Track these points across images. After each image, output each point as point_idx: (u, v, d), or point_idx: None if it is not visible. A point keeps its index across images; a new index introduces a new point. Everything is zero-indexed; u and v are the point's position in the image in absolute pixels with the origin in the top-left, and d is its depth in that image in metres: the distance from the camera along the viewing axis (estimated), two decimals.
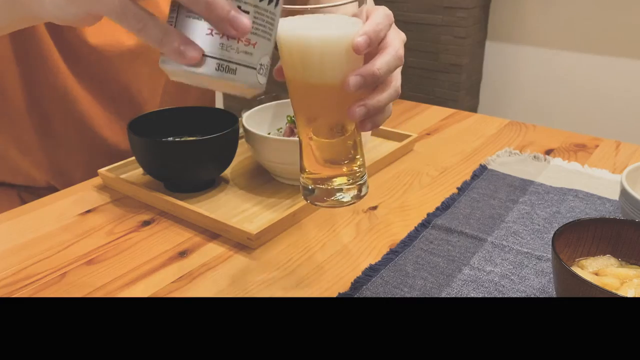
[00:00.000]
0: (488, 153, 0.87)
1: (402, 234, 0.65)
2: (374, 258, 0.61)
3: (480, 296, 0.55)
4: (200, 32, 0.41)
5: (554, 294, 0.54)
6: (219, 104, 2.93)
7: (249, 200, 0.73)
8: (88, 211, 0.71)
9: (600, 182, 0.76)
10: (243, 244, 0.64)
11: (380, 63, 0.46)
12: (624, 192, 0.60)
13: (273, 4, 0.42)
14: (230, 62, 0.42)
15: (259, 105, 0.83)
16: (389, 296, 0.55)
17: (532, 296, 0.55)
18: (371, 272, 0.58)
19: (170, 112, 0.80)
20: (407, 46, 0.51)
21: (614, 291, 0.44)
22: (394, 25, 0.51)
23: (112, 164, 0.79)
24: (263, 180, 0.78)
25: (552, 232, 0.55)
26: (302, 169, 0.53)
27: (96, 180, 0.79)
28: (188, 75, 0.42)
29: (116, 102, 0.86)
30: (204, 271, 0.60)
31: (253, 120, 0.79)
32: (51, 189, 0.85)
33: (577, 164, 0.82)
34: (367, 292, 0.55)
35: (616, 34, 2.08)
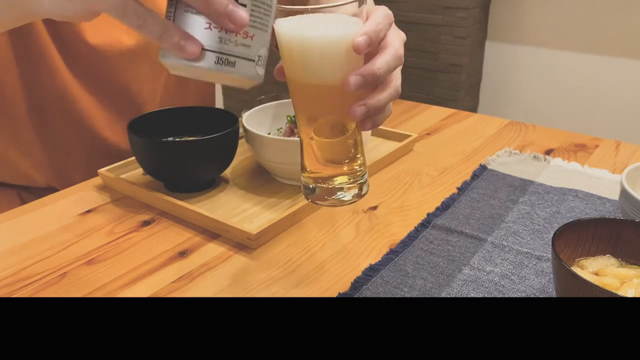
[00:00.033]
0: (488, 153, 0.87)
1: (402, 234, 0.65)
2: (374, 258, 0.61)
3: (480, 296, 0.55)
4: (199, 27, 0.42)
5: (554, 294, 0.54)
6: (219, 104, 2.93)
7: (249, 200, 0.73)
8: (88, 211, 0.71)
9: (600, 182, 0.76)
10: (243, 244, 0.64)
11: (380, 63, 0.47)
12: (624, 192, 0.60)
13: None
14: (229, 55, 0.42)
15: (259, 105, 0.83)
16: (389, 296, 0.55)
17: (532, 296, 0.55)
18: (371, 272, 0.58)
19: (170, 112, 0.80)
20: (407, 46, 0.51)
21: (614, 291, 0.44)
22: (393, 25, 0.51)
23: (112, 164, 0.79)
24: (263, 180, 0.78)
25: (552, 232, 0.55)
26: (303, 168, 0.53)
27: (96, 180, 0.79)
28: (188, 68, 0.43)
29: (116, 102, 0.86)
30: (204, 271, 0.60)
31: (253, 120, 0.79)
32: (51, 189, 0.85)
33: (577, 164, 0.82)
34: (367, 292, 0.55)
35: (616, 34, 2.08)
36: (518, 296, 0.54)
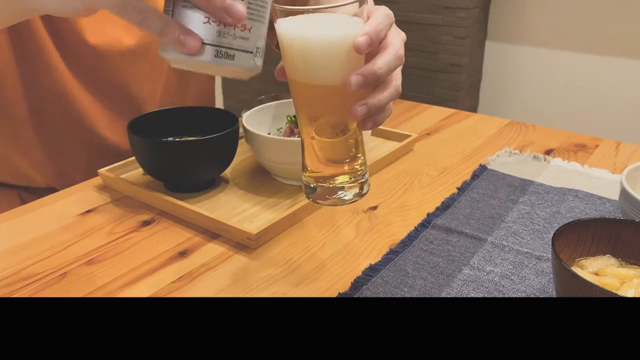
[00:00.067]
0: (488, 153, 0.87)
1: (402, 234, 0.65)
2: (374, 258, 0.61)
3: (480, 296, 0.55)
4: (198, 21, 0.43)
5: (554, 294, 0.54)
6: (219, 104, 2.93)
7: (249, 200, 0.73)
8: (88, 211, 0.71)
9: (600, 182, 0.76)
10: (243, 244, 0.64)
11: (381, 62, 0.47)
12: (623, 192, 0.60)
13: None
14: (228, 48, 0.43)
15: (259, 105, 0.83)
16: (389, 296, 0.55)
17: (532, 296, 0.55)
18: (371, 272, 0.58)
19: (170, 112, 0.80)
20: (407, 46, 0.51)
21: (614, 291, 0.44)
22: (394, 25, 0.51)
23: (112, 164, 0.79)
24: (263, 180, 0.78)
25: (552, 232, 0.55)
26: (304, 168, 0.53)
27: (96, 180, 0.79)
28: (188, 62, 0.44)
29: (116, 102, 0.86)
30: (204, 271, 0.60)
31: (253, 120, 0.79)
32: (51, 190, 0.85)
33: (577, 164, 0.82)
34: (367, 292, 0.55)
35: (616, 34, 2.08)
36: (518, 296, 0.54)
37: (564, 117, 2.28)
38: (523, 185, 0.75)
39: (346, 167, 0.52)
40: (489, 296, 0.54)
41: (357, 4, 0.46)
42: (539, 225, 0.66)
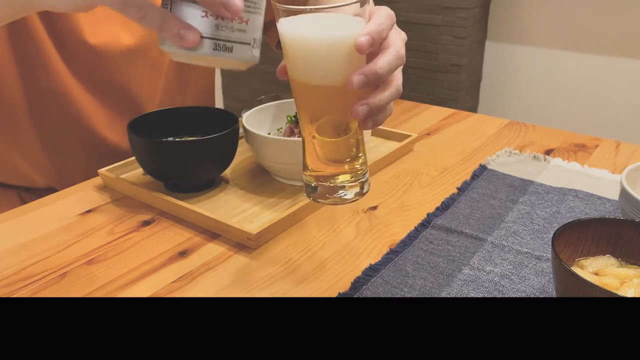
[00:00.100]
0: (488, 153, 0.87)
1: (402, 234, 0.65)
2: (374, 258, 0.61)
3: (480, 296, 0.55)
4: (195, 16, 0.44)
5: (554, 294, 0.54)
6: (219, 104, 2.93)
7: (249, 200, 0.73)
8: (88, 211, 0.71)
9: (600, 182, 0.76)
10: (243, 244, 0.64)
11: (382, 62, 0.47)
12: (623, 192, 0.60)
13: None
14: (226, 41, 0.44)
15: (259, 105, 0.83)
16: (389, 296, 0.55)
17: (532, 296, 0.55)
18: (371, 272, 0.58)
19: (170, 112, 0.80)
20: (407, 46, 0.52)
21: (613, 291, 0.44)
22: (395, 25, 0.51)
23: (112, 164, 0.79)
24: (263, 180, 0.78)
25: (552, 232, 0.55)
26: (304, 167, 0.53)
27: (96, 180, 0.79)
28: (188, 55, 0.45)
29: (116, 102, 0.86)
30: (204, 271, 0.60)
31: (253, 120, 0.79)
32: (51, 190, 0.85)
33: (577, 164, 0.82)
34: (367, 292, 0.55)
35: (616, 34, 2.08)
36: (518, 296, 0.54)
37: (564, 117, 2.28)
38: (523, 185, 0.75)
39: (347, 167, 0.52)
40: (489, 296, 0.54)
41: (358, 4, 0.46)
42: (539, 225, 0.66)
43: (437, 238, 0.64)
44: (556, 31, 2.20)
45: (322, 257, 0.62)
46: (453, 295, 0.55)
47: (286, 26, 0.47)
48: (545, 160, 0.83)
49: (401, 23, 2.31)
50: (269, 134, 0.83)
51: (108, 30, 0.81)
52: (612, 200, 0.71)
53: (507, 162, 0.83)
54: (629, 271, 0.49)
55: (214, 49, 0.44)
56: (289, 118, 0.82)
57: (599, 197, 0.71)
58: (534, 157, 0.84)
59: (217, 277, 0.59)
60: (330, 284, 0.57)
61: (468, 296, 0.55)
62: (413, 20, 2.27)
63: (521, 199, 0.72)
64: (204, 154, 0.71)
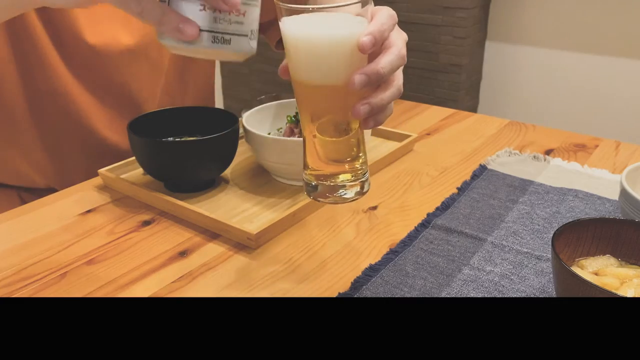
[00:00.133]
0: (488, 153, 0.87)
1: (402, 234, 0.65)
2: (374, 258, 0.61)
3: (480, 296, 0.55)
4: (194, 9, 0.45)
5: (553, 294, 0.54)
6: (219, 104, 2.93)
7: (249, 200, 0.73)
8: (88, 211, 0.71)
9: (600, 182, 0.76)
10: (243, 244, 0.64)
11: (384, 62, 0.48)
12: (623, 192, 0.60)
13: None
14: (224, 33, 0.45)
15: (259, 105, 0.83)
16: (389, 296, 0.55)
17: (532, 296, 0.55)
18: (371, 272, 0.58)
19: (170, 112, 0.80)
20: (407, 46, 0.52)
21: (613, 291, 0.44)
22: (396, 25, 0.51)
23: (112, 164, 0.79)
24: (263, 180, 0.78)
25: (552, 232, 0.55)
26: (305, 166, 0.53)
27: (96, 180, 0.79)
28: (187, 49, 0.46)
29: (116, 102, 0.86)
30: (204, 271, 0.60)
31: (253, 120, 0.79)
32: (51, 191, 0.85)
33: (576, 164, 0.82)
34: (367, 292, 0.55)
35: (616, 34, 2.08)
36: (518, 296, 0.54)
37: (564, 117, 2.28)
38: (523, 185, 0.75)
39: (347, 166, 0.52)
40: (489, 296, 0.54)
41: (359, 4, 0.46)
42: (539, 225, 0.66)
43: (437, 238, 0.64)
44: (556, 31, 2.20)
45: (322, 257, 0.62)
46: (453, 295, 0.55)
47: (289, 25, 0.47)
48: (545, 160, 0.83)
49: (401, 23, 2.31)
50: (269, 134, 0.83)
51: (107, 30, 0.81)
52: (612, 200, 0.71)
53: (507, 162, 0.83)
54: (629, 271, 0.49)
55: (212, 41, 0.45)
56: (289, 118, 0.82)
57: (599, 197, 0.71)
58: (534, 157, 0.84)
59: (217, 277, 0.59)
60: (330, 284, 0.57)
61: (468, 296, 0.55)
62: (413, 20, 2.27)
63: (521, 199, 0.72)
64: (204, 154, 0.71)
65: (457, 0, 2.15)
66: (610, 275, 0.49)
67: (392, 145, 0.87)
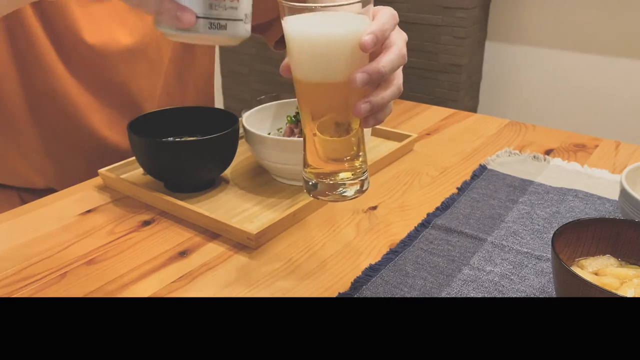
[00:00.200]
0: (488, 153, 0.87)
1: (402, 234, 0.65)
2: (374, 258, 0.61)
3: (480, 296, 0.55)
4: None
5: (553, 294, 0.54)
6: (219, 104, 2.93)
7: (249, 200, 0.73)
8: (88, 211, 0.71)
9: (600, 182, 0.76)
10: (243, 244, 0.64)
11: (385, 61, 0.48)
12: (623, 192, 0.60)
13: None
14: (219, 19, 0.47)
15: (259, 105, 0.83)
16: (389, 296, 0.55)
17: (532, 296, 0.55)
18: (371, 272, 0.58)
19: (170, 112, 0.80)
20: (407, 46, 0.52)
21: (613, 291, 0.44)
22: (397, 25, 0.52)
23: (112, 164, 0.79)
24: (263, 180, 0.78)
25: (552, 232, 0.55)
26: (305, 164, 0.53)
27: (96, 180, 0.79)
28: (184, 35, 0.47)
29: (115, 102, 0.86)
30: (204, 271, 0.60)
31: (253, 120, 0.79)
32: (51, 191, 0.85)
33: (576, 164, 0.82)
34: (367, 292, 0.55)
35: (616, 34, 2.08)
36: (518, 296, 0.54)
37: (564, 117, 2.28)
38: (523, 185, 0.75)
39: (347, 165, 0.53)
40: (489, 296, 0.54)
41: (360, 4, 0.47)
42: (538, 225, 0.66)
43: (437, 238, 0.64)
44: (556, 31, 2.20)
45: (322, 257, 0.62)
46: (453, 295, 0.55)
47: (291, 24, 0.47)
48: (545, 160, 0.83)
49: (401, 23, 2.31)
50: (269, 134, 0.83)
51: (106, 29, 0.81)
52: (612, 200, 0.71)
53: (507, 162, 0.83)
54: (628, 271, 0.49)
55: (209, 27, 0.46)
56: (289, 118, 0.82)
57: (599, 197, 0.71)
58: (534, 157, 0.84)
59: (217, 277, 0.59)
60: (330, 283, 0.57)
61: (468, 296, 0.55)
62: (413, 20, 2.27)
63: (521, 199, 0.72)
64: (204, 154, 0.71)
65: (457, 0, 2.15)
66: (610, 275, 0.49)
67: (392, 145, 0.87)
